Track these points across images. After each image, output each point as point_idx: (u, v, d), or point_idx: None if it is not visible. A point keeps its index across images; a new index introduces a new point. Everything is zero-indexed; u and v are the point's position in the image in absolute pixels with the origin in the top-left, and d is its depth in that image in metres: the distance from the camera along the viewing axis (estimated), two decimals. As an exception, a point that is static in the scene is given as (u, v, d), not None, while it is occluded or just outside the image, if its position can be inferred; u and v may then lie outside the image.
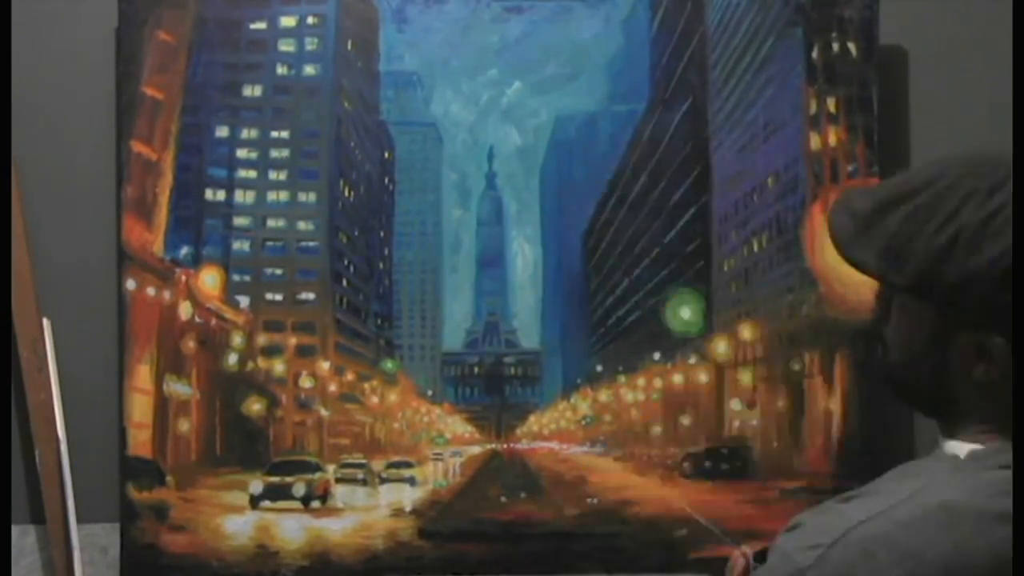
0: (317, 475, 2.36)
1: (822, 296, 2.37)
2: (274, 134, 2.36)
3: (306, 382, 2.38)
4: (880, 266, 1.11)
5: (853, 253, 1.14)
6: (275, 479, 2.36)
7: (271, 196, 2.36)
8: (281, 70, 2.36)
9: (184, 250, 2.34)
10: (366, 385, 2.39)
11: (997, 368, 1.06)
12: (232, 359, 2.35)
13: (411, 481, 2.38)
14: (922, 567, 1.00)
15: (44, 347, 2.32)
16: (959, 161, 1.11)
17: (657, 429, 2.39)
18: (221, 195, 2.35)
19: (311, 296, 2.37)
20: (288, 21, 2.36)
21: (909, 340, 1.13)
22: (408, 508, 2.38)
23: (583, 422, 2.40)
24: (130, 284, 2.31)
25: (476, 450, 2.41)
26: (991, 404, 1.08)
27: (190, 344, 2.34)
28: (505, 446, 2.40)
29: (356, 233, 2.39)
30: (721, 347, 2.38)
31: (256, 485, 2.35)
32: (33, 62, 2.36)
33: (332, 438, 2.38)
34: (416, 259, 2.40)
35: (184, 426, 2.34)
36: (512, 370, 2.41)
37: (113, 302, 2.33)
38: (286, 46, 2.36)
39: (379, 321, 2.39)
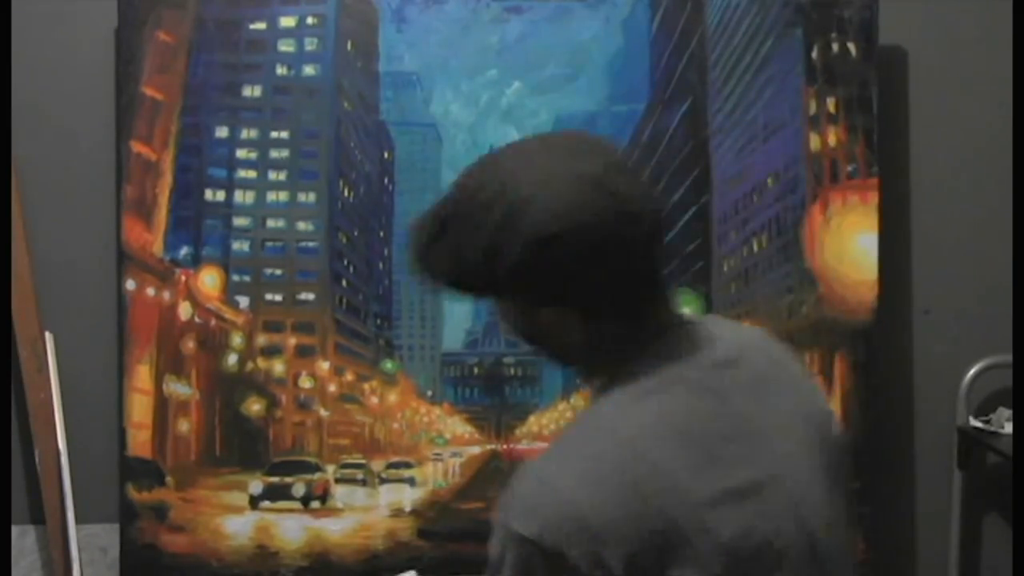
0: (317, 475, 2.36)
1: (821, 296, 2.37)
2: (274, 134, 2.36)
3: (306, 382, 2.38)
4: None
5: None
6: (275, 479, 2.36)
7: (271, 196, 2.36)
8: (281, 70, 2.36)
9: (184, 250, 2.34)
10: (366, 385, 2.39)
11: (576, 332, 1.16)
12: (232, 359, 2.35)
13: (411, 481, 2.38)
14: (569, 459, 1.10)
15: (44, 347, 2.32)
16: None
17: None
18: (221, 195, 2.35)
19: (311, 296, 2.37)
20: (288, 21, 2.36)
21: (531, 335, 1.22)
22: (408, 508, 2.38)
23: (583, 422, 2.40)
24: (130, 284, 2.31)
25: (476, 450, 2.41)
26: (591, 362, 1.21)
27: (190, 344, 2.34)
28: (505, 446, 2.40)
29: (356, 233, 2.39)
30: (721, 347, 2.38)
31: (256, 485, 2.35)
32: (33, 62, 2.37)
33: (332, 438, 2.38)
34: (416, 259, 2.39)
35: (184, 426, 2.34)
36: (512, 370, 2.41)
37: (113, 302, 2.33)
38: (286, 46, 2.36)
39: (379, 321, 2.39)
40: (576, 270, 1.12)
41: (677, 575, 1.04)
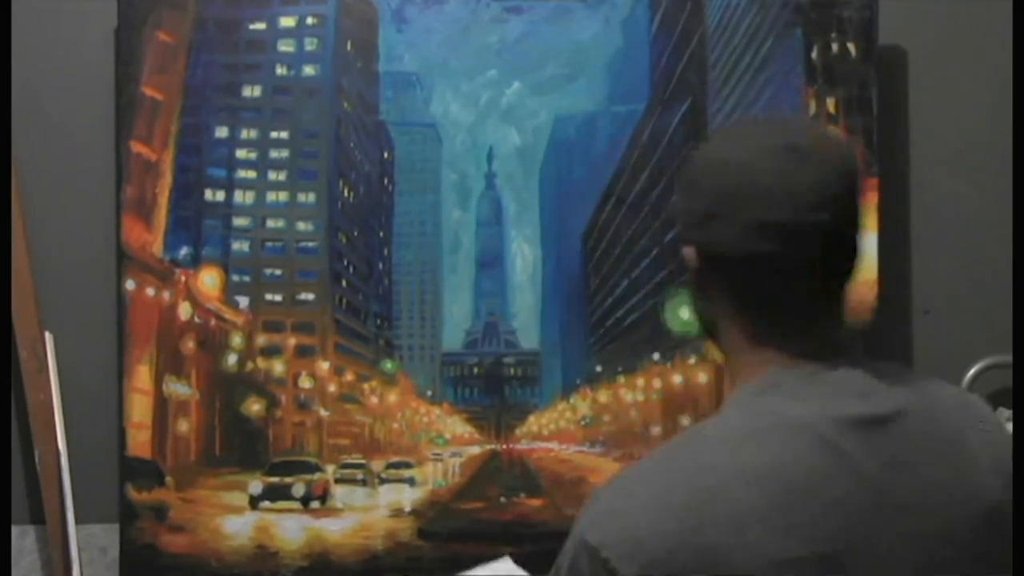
0: (316, 475, 2.36)
1: (821, 296, 2.37)
2: (273, 134, 2.36)
3: (305, 382, 2.38)
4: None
5: None
6: (274, 479, 2.36)
7: (270, 196, 2.36)
8: (280, 70, 2.36)
9: (184, 250, 2.34)
10: (365, 385, 2.39)
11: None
12: (231, 359, 2.35)
13: (410, 481, 2.38)
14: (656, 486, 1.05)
15: (44, 348, 2.32)
16: None
17: (657, 429, 2.39)
18: (220, 195, 2.35)
19: (310, 297, 2.37)
20: (287, 21, 2.36)
21: None
22: (407, 508, 2.38)
23: (582, 422, 2.40)
24: (129, 284, 2.31)
25: (475, 450, 2.41)
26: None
27: (189, 344, 2.34)
28: (504, 446, 2.40)
29: (355, 234, 2.39)
30: (720, 347, 2.38)
31: (255, 485, 2.35)
32: (33, 62, 2.37)
33: (331, 438, 2.38)
34: (415, 259, 2.40)
35: (183, 426, 2.34)
36: (511, 370, 2.41)
37: (113, 302, 2.33)
38: (285, 46, 2.36)
39: (378, 321, 2.39)
40: (723, 227, 1.09)
41: None
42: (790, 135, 1.10)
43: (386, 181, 2.39)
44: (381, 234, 2.39)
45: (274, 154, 2.36)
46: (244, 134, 2.35)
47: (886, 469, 1.05)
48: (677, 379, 2.39)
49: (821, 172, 1.07)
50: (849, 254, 1.11)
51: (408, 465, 2.39)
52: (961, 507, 1.07)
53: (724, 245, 1.09)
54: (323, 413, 2.38)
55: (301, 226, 2.37)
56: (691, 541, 1.00)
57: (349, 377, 2.38)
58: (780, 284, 1.09)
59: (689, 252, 1.14)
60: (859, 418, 1.06)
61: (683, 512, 1.01)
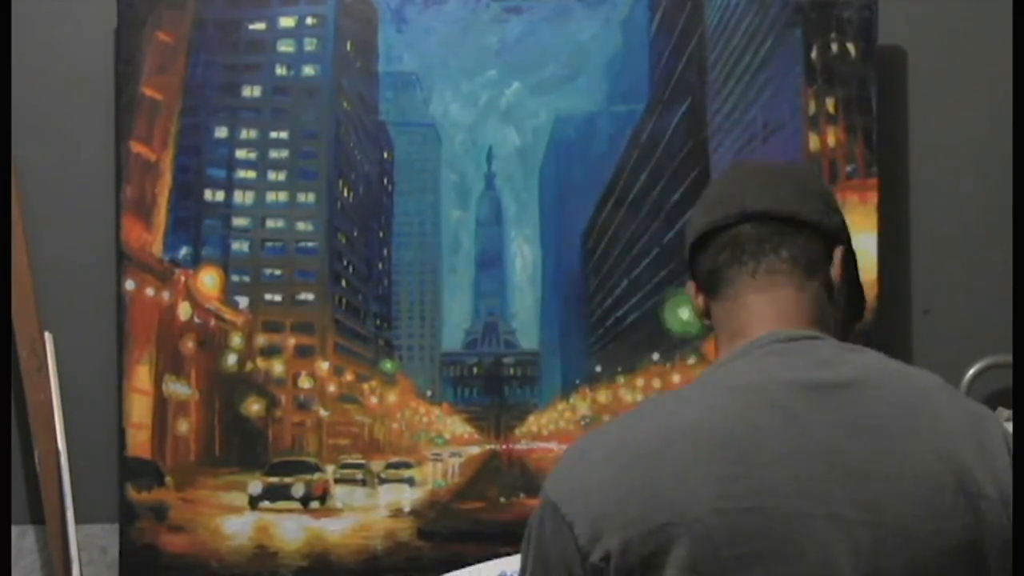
0: (316, 475, 2.36)
1: (821, 296, 2.37)
2: (273, 135, 2.36)
3: (305, 383, 2.38)
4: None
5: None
6: (274, 479, 2.36)
7: (270, 197, 2.36)
8: (280, 71, 2.36)
9: (183, 251, 2.34)
10: (365, 386, 2.39)
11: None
12: (231, 359, 2.35)
13: (410, 481, 2.38)
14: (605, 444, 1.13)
15: (43, 348, 2.32)
16: None
17: (656, 429, 2.39)
18: (220, 196, 2.35)
19: (310, 297, 2.37)
20: (287, 22, 2.36)
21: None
22: (407, 508, 2.38)
23: (582, 422, 2.40)
24: (129, 285, 2.31)
25: (475, 450, 2.41)
26: None
27: (189, 345, 2.34)
28: (504, 446, 2.40)
29: (355, 234, 2.39)
30: (720, 347, 2.38)
31: (255, 486, 2.35)
32: (33, 62, 2.37)
33: (331, 438, 2.38)
34: (415, 260, 2.40)
35: (183, 427, 2.34)
36: (511, 370, 2.41)
37: (112, 303, 2.33)
38: (285, 47, 2.36)
39: (378, 322, 2.39)
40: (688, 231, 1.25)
41: (671, 575, 1.03)
42: (754, 165, 1.29)
43: (386, 181, 2.39)
44: (381, 234, 2.39)
45: (274, 154, 2.36)
46: (244, 134, 2.35)
47: (840, 432, 1.07)
48: (677, 379, 2.39)
49: (759, 183, 1.21)
50: (791, 222, 1.19)
51: (408, 465, 2.39)
52: (924, 481, 1.06)
53: (692, 259, 1.25)
54: (323, 413, 2.38)
55: (301, 226, 2.37)
56: (639, 493, 1.05)
57: (349, 377, 2.38)
58: (725, 280, 1.20)
59: (692, 289, 1.27)
60: (813, 382, 1.09)
61: (632, 466, 1.07)
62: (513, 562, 1.71)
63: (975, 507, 1.06)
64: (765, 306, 1.18)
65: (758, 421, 1.07)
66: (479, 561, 2.28)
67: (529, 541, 1.14)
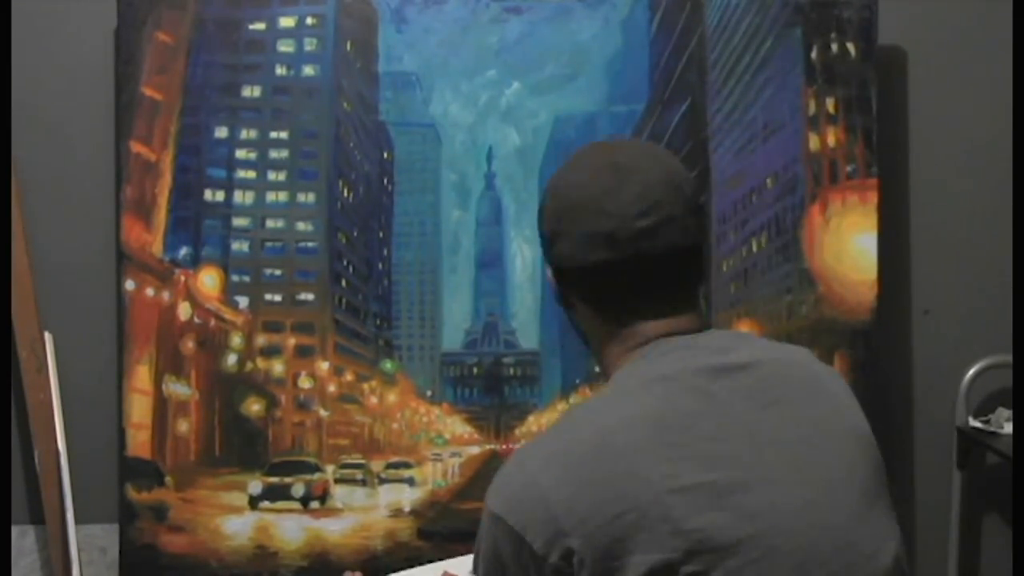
0: (316, 475, 2.36)
1: (821, 296, 2.37)
2: (273, 135, 2.36)
3: (305, 383, 2.38)
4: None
5: None
6: (274, 479, 2.36)
7: (270, 197, 2.36)
8: (280, 71, 2.36)
9: (183, 251, 2.34)
10: (365, 385, 2.39)
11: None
12: (231, 360, 2.36)
13: (410, 481, 2.38)
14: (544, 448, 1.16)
15: (43, 348, 2.32)
16: None
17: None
18: (220, 196, 2.35)
19: (310, 297, 2.37)
20: (287, 22, 2.36)
21: None
22: (407, 508, 2.38)
23: (582, 422, 2.39)
24: (129, 285, 2.31)
25: (475, 450, 2.41)
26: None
27: (189, 345, 2.34)
28: (504, 446, 2.40)
29: (355, 234, 2.39)
30: (720, 347, 2.38)
31: (255, 486, 2.35)
32: (33, 62, 2.37)
33: (331, 438, 2.38)
34: (415, 260, 2.40)
35: (183, 427, 2.34)
36: (511, 370, 2.41)
37: (112, 303, 2.33)
38: (285, 47, 2.36)
39: (378, 321, 2.39)
40: (565, 242, 1.23)
41: (639, 560, 1.06)
42: (614, 155, 1.24)
43: (386, 181, 2.39)
44: (381, 234, 2.39)
45: (274, 154, 2.36)
46: (244, 134, 2.35)
47: (751, 406, 1.16)
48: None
49: (642, 184, 1.20)
50: (686, 252, 1.22)
51: (408, 465, 2.39)
52: (831, 437, 1.18)
53: (568, 259, 1.24)
54: (323, 413, 2.38)
55: (301, 226, 2.37)
56: (589, 490, 1.09)
57: (349, 377, 2.38)
58: (621, 286, 1.22)
59: (548, 272, 1.30)
60: (718, 366, 1.17)
61: (576, 467, 1.10)
62: (458, 563, 1.72)
63: (870, 446, 1.21)
64: (660, 323, 1.23)
65: (684, 406, 1.14)
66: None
67: (480, 557, 1.16)
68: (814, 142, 2.38)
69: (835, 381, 1.26)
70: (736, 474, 1.11)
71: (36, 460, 2.30)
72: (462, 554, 2.33)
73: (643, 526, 1.07)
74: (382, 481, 2.38)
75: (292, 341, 2.37)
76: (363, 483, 2.37)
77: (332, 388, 2.38)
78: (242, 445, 2.36)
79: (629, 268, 1.20)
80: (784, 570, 1.09)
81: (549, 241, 1.27)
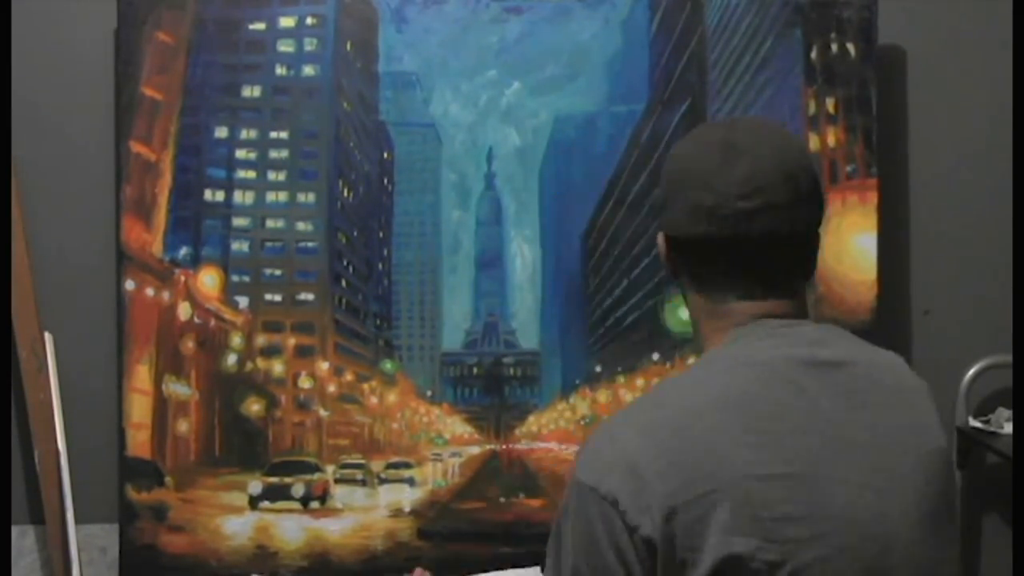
0: (316, 476, 2.36)
1: (821, 296, 2.37)
2: (273, 135, 2.36)
3: (305, 383, 2.38)
4: None
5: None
6: (274, 480, 2.36)
7: (270, 197, 2.36)
8: (280, 71, 2.36)
9: (183, 251, 2.34)
10: (365, 386, 2.39)
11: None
12: (231, 360, 2.35)
13: (410, 481, 2.38)
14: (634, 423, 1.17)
15: (43, 348, 2.32)
16: None
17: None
18: (220, 196, 2.35)
19: (310, 297, 2.37)
20: (287, 22, 2.36)
21: None
22: (407, 508, 2.38)
23: (582, 422, 2.40)
24: (129, 285, 2.31)
25: (475, 450, 2.41)
26: None
27: (189, 345, 2.34)
28: (504, 446, 2.40)
29: (355, 234, 2.39)
30: (720, 347, 2.38)
31: (255, 486, 2.35)
32: (33, 62, 2.37)
33: (331, 439, 2.38)
34: (415, 260, 2.40)
35: (183, 427, 2.34)
36: (511, 370, 2.41)
37: (112, 303, 2.33)
38: (285, 47, 2.36)
39: (378, 322, 2.39)
40: (674, 209, 1.25)
41: (717, 542, 1.08)
42: (732, 132, 1.25)
43: (386, 181, 2.39)
44: (381, 234, 2.39)
45: (274, 154, 2.36)
46: (244, 134, 2.35)
47: (839, 406, 1.17)
48: (677, 379, 2.38)
49: (751, 167, 1.20)
50: (788, 239, 1.22)
51: (408, 465, 2.39)
52: (911, 448, 1.19)
53: (674, 227, 1.26)
54: (323, 413, 2.38)
55: (301, 226, 2.37)
56: (678, 464, 1.10)
57: (349, 377, 2.38)
58: (718, 262, 1.23)
59: (659, 237, 1.30)
60: (813, 360, 1.18)
61: (667, 441, 1.12)
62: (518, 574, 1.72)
63: (946, 465, 1.22)
64: (755, 304, 1.24)
65: (774, 395, 1.15)
66: (478, 561, 2.28)
67: (565, 531, 1.16)
68: (814, 142, 2.38)
69: (922, 393, 1.26)
70: (817, 470, 1.12)
71: (36, 460, 2.30)
72: (462, 553, 2.34)
73: (725, 507, 1.08)
74: (382, 481, 2.38)
75: (292, 341, 2.37)
76: (363, 483, 2.37)
77: (332, 388, 2.38)
78: (242, 445, 2.36)
79: (726, 246, 1.21)
80: (851, 573, 1.12)
81: (660, 207, 1.30)
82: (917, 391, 1.25)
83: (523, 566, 2.32)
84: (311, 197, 2.37)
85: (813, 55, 2.38)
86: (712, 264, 1.23)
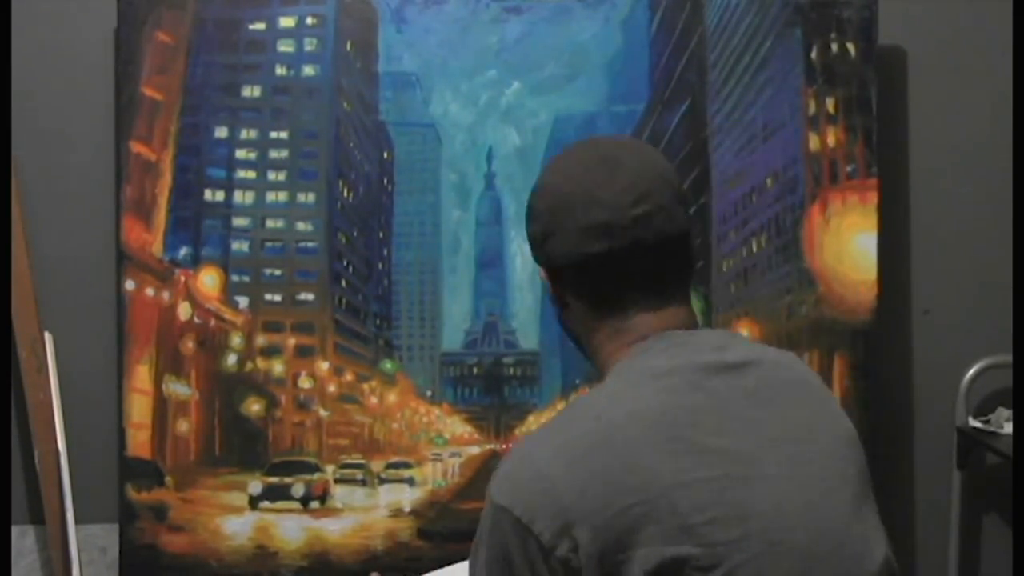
0: (316, 475, 2.36)
1: (821, 296, 2.37)
2: (273, 135, 2.36)
3: (305, 382, 2.38)
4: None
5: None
6: (274, 480, 2.36)
7: (270, 197, 2.36)
8: (280, 71, 2.36)
9: (183, 251, 2.34)
10: (365, 386, 2.39)
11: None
12: (231, 359, 2.36)
13: (410, 481, 2.38)
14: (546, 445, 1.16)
15: (43, 348, 2.32)
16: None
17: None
18: (220, 196, 2.35)
19: (310, 297, 2.37)
20: (287, 22, 2.36)
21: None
22: (407, 508, 2.38)
23: (582, 422, 2.39)
24: (129, 285, 2.31)
25: (475, 450, 2.41)
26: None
27: (189, 345, 2.34)
28: (504, 446, 2.40)
29: (355, 234, 2.39)
30: (720, 347, 2.38)
31: (255, 486, 2.35)
32: (33, 62, 2.37)
33: (331, 438, 2.38)
34: (415, 260, 2.40)
35: (183, 427, 2.34)
36: (511, 370, 2.41)
37: (112, 303, 2.33)
38: (285, 47, 2.36)
39: (378, 322, 2.39)
40: (558, 239, 1.24)
41: (646, 553, 1.07)
42: (599, 149, 1.26)
43: (386, 181, 2.39)
44: (381, 234, 2.39)
45: (274, 154, 2.36)
46: (244, 134, 2.35)
47: (750, 405, 1.18)
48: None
49: (633, 174, 1.22)
50: (677, 240, 1.24)
51: (408, 465, 2.39)
52: (823, 436, 1.21)
53: (562, 256, 1.24)
54: (323, 413, 2.38)
55: (301, 226, 2.37)
56: (598, 481, 1.09)
57: (349, 377, 2.38)
58: (617, 277, 1.23)
59: (542, 273, 1.30)
60: (717, 363, 1.19)
61: (585, 459, 1.11)
62: (451, 571, 1.70)
63: (856, 448, 1.25)
64: (656, 316, 1.25)
65: (687, 402, 1.16)
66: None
67: (480, 553, 1.17)
68: (814, 142, 2.38)
69: (821, 384, 1.29)
70: (738, 470, 1.13)
71: (36, 460, 2.30)
72: (462, 553, 2.34)
73: (652, 519, 1.08)
74: (382, 481, 2.38)
75: (292, 341, 2.37)
76: (363, 483, 2.38)
77: (332, 388, 2.38)
78: (242, 445, 2.36)
79: (625, 258, 1.21)
80: (785, 567, 1.11)
81: (541, 241, 1.27)
82: (817, 383, 1.28)
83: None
84: (311, 197, 2.37)
85: (813, 55, 2.38)
86: (610, 280, 1.23)
